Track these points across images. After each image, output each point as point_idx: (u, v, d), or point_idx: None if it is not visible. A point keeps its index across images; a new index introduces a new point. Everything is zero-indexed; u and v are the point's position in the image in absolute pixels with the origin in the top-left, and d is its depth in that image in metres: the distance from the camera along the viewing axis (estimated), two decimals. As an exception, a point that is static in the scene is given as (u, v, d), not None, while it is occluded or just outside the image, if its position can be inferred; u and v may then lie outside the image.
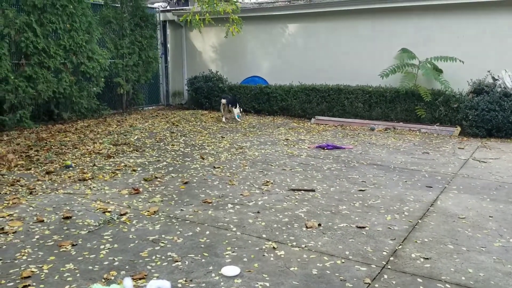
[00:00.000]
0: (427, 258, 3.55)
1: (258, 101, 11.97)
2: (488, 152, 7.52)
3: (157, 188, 5.31)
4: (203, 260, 3.49)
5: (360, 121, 10.32)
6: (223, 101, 10.65)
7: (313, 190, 5.28)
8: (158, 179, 5.69)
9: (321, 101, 11.05)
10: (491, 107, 8.53)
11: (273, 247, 3.72)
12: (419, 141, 8.38)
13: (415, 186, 5.53)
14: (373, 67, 10.34)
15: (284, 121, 10.90)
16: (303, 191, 5.25)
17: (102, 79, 10.67)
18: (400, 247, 3.77)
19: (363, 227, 4.17)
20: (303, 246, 3.77)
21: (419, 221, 4.36)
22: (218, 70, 13.15)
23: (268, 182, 5.59)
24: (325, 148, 7.60)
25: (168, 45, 14.23)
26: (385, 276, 3.27)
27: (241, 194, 5.10)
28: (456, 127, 9.23)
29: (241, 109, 11.22)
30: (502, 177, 5.96)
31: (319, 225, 4.22)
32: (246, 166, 6.40)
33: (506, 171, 6.27)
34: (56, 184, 5.47)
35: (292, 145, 7.91)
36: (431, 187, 5.48)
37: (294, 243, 3.81)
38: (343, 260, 3.51)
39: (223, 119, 10.59)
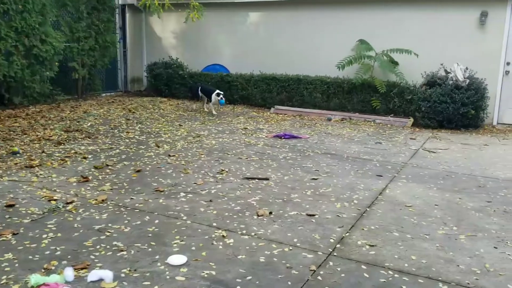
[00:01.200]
0: (373, 245, 3.64)
1: (219, 89, 11.81)
2: (438, 142, 7.78)
3: (107, 176, 5.18)
4: (149, 249, 3.44)
5: (318, 111, 10.43)
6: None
7: (267, 179, 5.30)
8: (110, 167, 5.55)
9: (281, 91, 11.08)
10: (443, 99, 8.81)
11: (223, 236, 3.71)
12: (373, 132, 8.57)
13: (366, 175, 5.65)
14: (333, 57, 10.43)
15: (244, 110, 10.87)
16: (257, 180, 5.26)
17: (56, 63, 10.26)
18: (347, 234, 3.85)
19: (313, 215, 4.23)
20: (253, 234, 3.77)
21: (368, 209, 4.46)
22: (179, 57, 12.93)
23: (223, 170, 5.57)
24: (282, 138, 7.64)
25: (127, 30, 13.86)
26: (331, 263, 3.32)
27: (195, 183, 5.05)
28: (409, 118, 9.49)
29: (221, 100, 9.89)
30: (449, 167, 6.18)
31: (270, 213, 4.24)
32: (202, 154, 6.34)
33: (454, 161, 6.50)
34: (1, 171, 5.24)
35: (250, 134, 7.90)
36: (381, 176, 5.61)
37: (244, 231, 3.82)
38: (291, 248, 3.54)
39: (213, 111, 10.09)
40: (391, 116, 9.72)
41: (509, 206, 4.67)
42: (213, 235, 3.71)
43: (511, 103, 9.68)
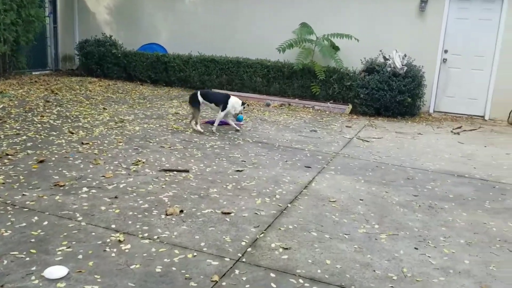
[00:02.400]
0: (287, 248, 3.33)
1: (155, 70, 11.23)
2: (373, 131, 7.64)
3: (3, 168, 4.55)
4: (27, 258, 2.94)
5: (258, 96, 10.07)
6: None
7: (186, 171, 4.88)
8: (10, 156, 4.91)
9: (221, 74, 10.62)
10: (381, 86, 8.68)
11: (119, 240, 3.26)
12: (310, 119, 8.31)
13: (294, 166, 5.35)
14: (274, 41, 10.03)
15: (180, 93, 10.33)
16: (175, 172, 4.82)
17: (-31, 38, 9.26)
18: (262, 235, 3.51)
19: (229, 213, 3.86)
20: (156, 237, 3.36)
21: (289, 205, 4.15)
22: (113, 34, 12.12)
23: (139, 161, 5.08)
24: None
25: (58, 4, 12.80)
26: (236, 272, 2.97)
27: (103, 176, 4.54)
28: (348, 105, 9.33)
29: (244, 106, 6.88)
30: (381, 157, 6.01)
31: (181, 211, 3.83)
32: (120, 142, 5.80)
33: (386, 151, 6.35)
34: None
35: (180, 120, 7.41)
36: (310, 167, 5.33)
37: (146, 234, 3.39)
38: (195, 254, 3.16)
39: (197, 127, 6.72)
40: (330, 103, 9.52)
41: (434, 201, 4.52)
42: (108, 240, 3.26)
43: (448, 91, 9.75)
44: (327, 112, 9.12)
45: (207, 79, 10.73)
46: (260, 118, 8.11)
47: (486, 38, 9.29)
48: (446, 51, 9.63)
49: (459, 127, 8.34)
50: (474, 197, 4.70)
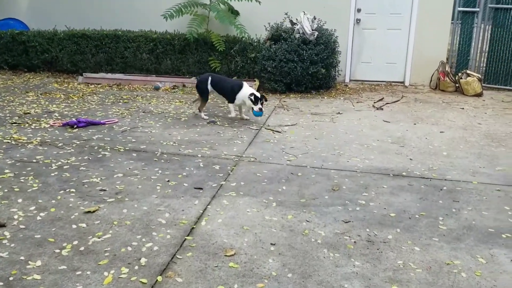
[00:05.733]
0: None
1: (12, 53, 8.89)
2: (285, 114, 6.25)
3: None
4: None
5: (144, 78, 8.23)
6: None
7: (2, 225, 3.10)
8: None
9: (97, 52, 8.57)
10: (290, 57, 7.27)
11: None
12: (209, 103, 6.66)
13: (179, 189, 3.76)
14: (159, 7, 8.17)
15: (44, 80, 8.18)
16: (-19, 230, 3.04)
17: None
18: None
19: (46, 323, 2.22)
20: None
21: (159, 278, 2.58)
22: (-46, 10, 9.49)
23: None
24: (75, 126, 5.36)
25: None
26: None
27: None
28: (255, 81, 7.84)
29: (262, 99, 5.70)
30: (296, 156, 4.61)
31: (-47, 335, 2.12)
32: None
33: (302, 145, 4.98)
34: None
35: (27, 124, 5.45)
36: (201, 188, 3.78)
37: None
38: None
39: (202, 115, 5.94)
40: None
41: (373, 228, 3.21)
42: None
43: (363, 57, 8.62)
44: (229, 93, 7.55)
45: (80, 59, 8.64)
46: (144, 109, 6.36)
47: (401, -7, 8.18)
48: (359, 10, 8.42)
49: (381, 100, 7.23)
50: (422, 212, 3.46)
